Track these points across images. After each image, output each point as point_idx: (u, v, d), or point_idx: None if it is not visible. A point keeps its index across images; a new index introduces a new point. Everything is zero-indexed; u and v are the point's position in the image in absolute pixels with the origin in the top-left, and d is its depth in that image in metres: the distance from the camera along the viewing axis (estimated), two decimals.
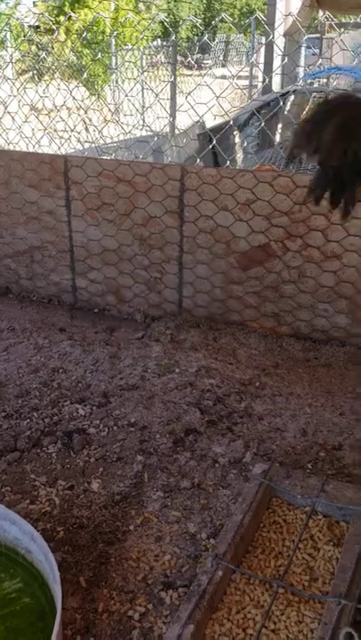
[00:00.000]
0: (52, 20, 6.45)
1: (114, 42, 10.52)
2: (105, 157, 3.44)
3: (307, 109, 9.80)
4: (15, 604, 1.61)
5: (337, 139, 2.04)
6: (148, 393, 2.56)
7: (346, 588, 1.54)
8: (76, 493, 2.04)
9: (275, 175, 2.86)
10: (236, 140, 6.12)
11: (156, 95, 4.21)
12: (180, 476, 2.12)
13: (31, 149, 4.33)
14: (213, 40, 13.09)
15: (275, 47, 7.54)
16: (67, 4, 12.55)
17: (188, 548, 1.83)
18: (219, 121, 6.13)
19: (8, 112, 4.23)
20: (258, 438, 2.31)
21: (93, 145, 4.76)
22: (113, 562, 1.78)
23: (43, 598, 1.61)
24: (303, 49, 10.85)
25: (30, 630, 1.55)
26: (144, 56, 10.46)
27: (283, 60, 6.81)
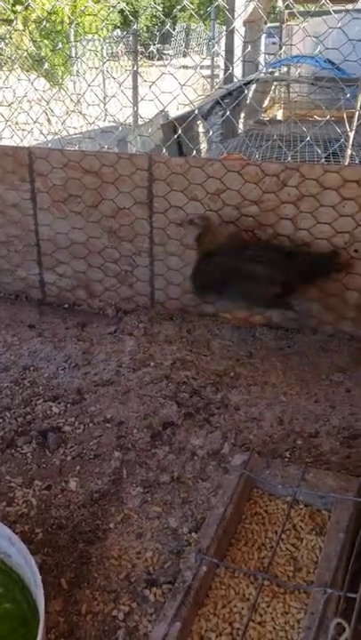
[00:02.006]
0: (8, 9, 6.29)
1: (73, 32, 10.34)
2: (70, 148, 3.37)
3: (268, 98, 9.82)
4: None
5: None
6: (124, 388, 2.52)
7: (331, 576, 1.54)
8: (53, 493, 2.00)
9: (243, 164, 2.84)
10: (200, 129, 6.08)
11: (120, 85, 4.14)
12: (159, 470, 2.09)
13: None
14: (174, 29, 12.99)
15: (236, 35, 7.51)
16: None
17: (170, 543, 1.81)
18: (182, 110, 6.08)
19: None
20: (235, 429, 2.30)
21: (57, 136, 4.66)
22: (94, 561, 1.75)
23: (24, 603, 1.57)
24: (264, 37, 10.85)
25: (13, 636, 1.51)
26: (105, 46, 10.32)
27: (245, 48, 6.78)
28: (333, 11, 3.25)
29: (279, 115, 9.40)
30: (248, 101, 7.84)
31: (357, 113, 4.78)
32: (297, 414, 2.39)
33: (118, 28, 15.67)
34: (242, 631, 1.47)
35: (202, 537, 1.69)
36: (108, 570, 1.73)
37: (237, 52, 8.01)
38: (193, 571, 1.58)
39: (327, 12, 3.29)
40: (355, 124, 4.71)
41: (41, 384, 2.59)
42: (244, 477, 1.89)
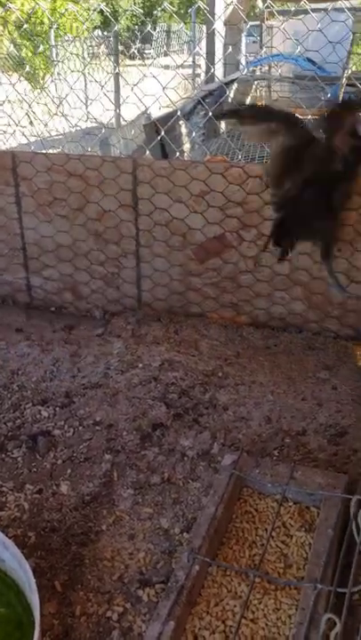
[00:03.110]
0: None
1: (53, 33, 10.31)
2: (54, 152, 3.38)
3: (250, 97, 9.85)
4: None
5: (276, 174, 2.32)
6: (112, 390, 2.54)
7: (321, 572, 1.57)
8: (45, 497, 2.01)
9: (227, 166, 2.86)
10: (183, 130, 6.10)
11: (102, 87, 4.15)
12: (149, 471, 2.11)
13: None
14: (155, 30, 12.99)
15: (217, 35, 7.54)
16: None
17: (163, 543, 1.83)
18: (165, 111, 6.10)
19: None
20: (224, 428, 2.32)
21: (39, 139, 4.67)
22: (87, 563, 1.77)
23: (18, 607, 1.58)
24: (244, 37, 10.89)
25: None
26: (86, 47, 10.30)
27: (226, 49, 6.81)
28: (312, 10, 3.29)
29: None
30: (230, 101, 7.87)
31: None
32: (285, 412, 2.42)
33: (99, 28, 15.63)
34: (235, 628, 1.49)
35: (193, 537, 1.72)
36: (101, 571, 1.74)
37: (218, 52, 8.04)
38: (185, 570, 1.60)
39: (306, 12, 3.32)
40: None
41: (29, 388, 2.59)
42: (234, 477, 1.91)
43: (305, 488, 1.87)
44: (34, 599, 1.40)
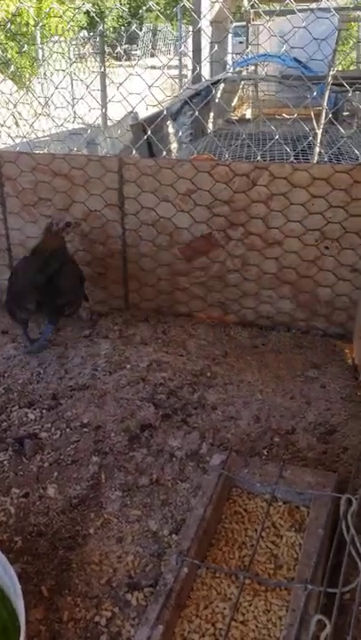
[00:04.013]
0: None
1: (39, 33, 10.25)
2: (39, 151, 3.34)
3: (237, 97, 9.83)
4: None
5: None
6: (100, 391, 2.51)
7: (311, 572, 1.55)
8: (31, 500, 1.98)
9: (213, 164, 2.85)
10: (170, 129, 6.09)
11: (87, 87, 4.11)
12: (137, 473, 2.08)
13: None
14: (141, 30, 12.96)
15: (203, 35, 7.53)
16: None
17: (151, 546, 1.80)
18: (152, 111, 6.08)
19: None
20: (213, 428, 2.30)
21: (25, 139, 4.63)
22: (75, 568, 1.74)
23: (4, 612, 1.55)
24: (230, 37, 10.89)
25: None
26: (71, 47, 10.25)
27: (212, 48, 6.80)
28: (298, 10, 3.28)
29: (248, 114, 9.45)
30: (217, 101, 7.86)
31: (324, 111, 4.83)
32: (273, 411, 2.40)
33: (85, 29, 15.58)
34: (224, 631, 1.47)
35: (182, 538, 1.70)
36: (89, 575, 1.72)
37: (205, 51, 8.03)
38: (174, 573, 1.58)
39: (292, 12, 3.32)
40: (322, 121, 4.76)
41: (16, 390, 2.56)
42: (222, 477, 1.89)
43: (294, 487, 1.85)
44: (19, 604, 1.38)
